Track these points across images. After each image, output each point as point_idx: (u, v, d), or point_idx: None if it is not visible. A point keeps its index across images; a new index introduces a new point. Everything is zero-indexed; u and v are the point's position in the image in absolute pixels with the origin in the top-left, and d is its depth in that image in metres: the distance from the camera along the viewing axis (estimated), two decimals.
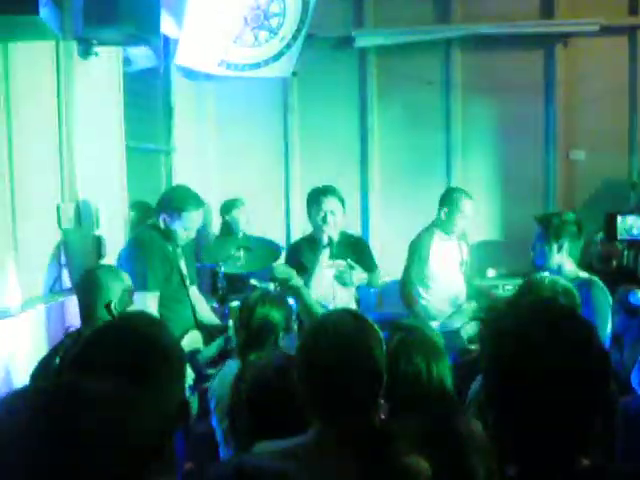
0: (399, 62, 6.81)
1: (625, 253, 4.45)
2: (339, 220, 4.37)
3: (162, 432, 1.21)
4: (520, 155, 6.76)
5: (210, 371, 3.48)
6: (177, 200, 3.90)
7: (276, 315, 2.95)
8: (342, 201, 4.42)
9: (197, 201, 3.95)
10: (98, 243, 4.13)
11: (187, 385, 3.51)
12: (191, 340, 3.86)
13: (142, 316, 1.94)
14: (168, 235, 3.90)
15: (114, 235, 4.39)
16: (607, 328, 3.39)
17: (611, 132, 6.73)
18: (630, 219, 2.25)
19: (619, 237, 2.25)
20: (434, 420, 2.15)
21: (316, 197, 4.39)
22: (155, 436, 1.11)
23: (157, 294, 3.73)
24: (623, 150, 6.74)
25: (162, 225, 3.88)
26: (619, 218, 2.19)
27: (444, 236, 4.79)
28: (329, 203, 4.33)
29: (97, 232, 4.13)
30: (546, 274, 3.38)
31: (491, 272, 6.38)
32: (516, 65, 6.76)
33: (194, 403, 3.44)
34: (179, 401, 1.61)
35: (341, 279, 4.35)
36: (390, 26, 6.73)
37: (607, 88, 6.68)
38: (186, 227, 3.92)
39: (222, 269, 4.90)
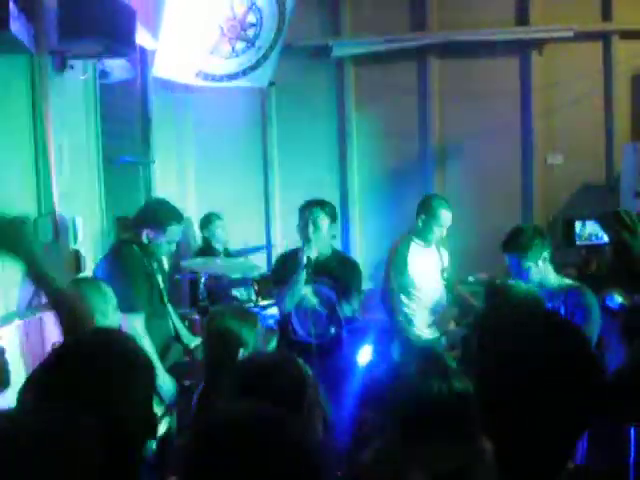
0: (376, 71, 6.84)
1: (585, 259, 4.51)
2: (323, 233, 4.30)
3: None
4: (498, 161, 6.81)
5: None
6: (161, 215, 3.87)
7: (235, 328, 2.84)
8: (329, 215, 4.33)
9: (179, 215, 3.94)
10: (76, 257, 4.09)
11: (168, 401, 3.50)
12: (173, 354, 3.83)
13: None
14: (149, 250, 3.87)
15: (92, 249, 4.35)
16: (597, 331, 3.45)
17: (588, 136, 6.81)
18: (589, 225, 2.27)
19: (577, 243, 2.28)
20: None
21: (301, 209, 4.38)
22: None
23: (143, 314, 3.69)
24: (600, 154, 6.81)
25: (145, 239, 3.84)
26: (577, 224, 2.21)
27: (422, 244, 4.79)
28: (312, 215, 4.30)
29: (75, 246, 4.10)
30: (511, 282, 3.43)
31: (471, 278, 6.39)
32: (492, 72, 6.82)
33: (172, 421, 3.41)
34: (146, 417, 1.59)
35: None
36: (367, 35, 6.76)
37: (583, 93, 6.76)
38: (170, 241, 3.90)
39: (203, 280, 4.88)
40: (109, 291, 3.33)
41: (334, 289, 4.23)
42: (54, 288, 2.24)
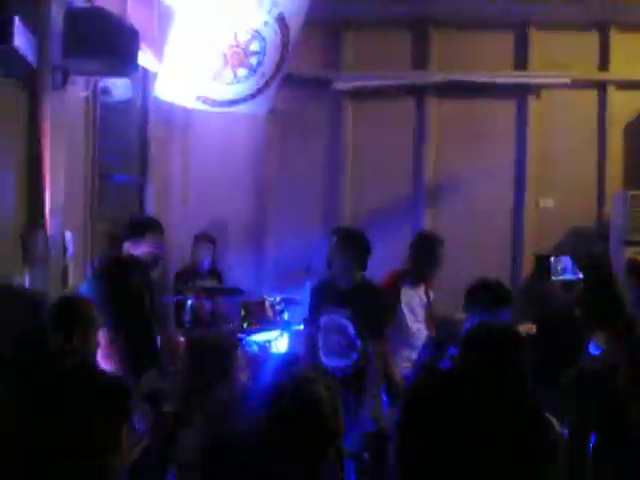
0: (374, 106, 6.91)
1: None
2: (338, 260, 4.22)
3: None
4: (490, 201, 6.86)
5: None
6: (138, 225, 3.90)
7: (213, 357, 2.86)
8: (352, 244, 4.20)
9: (157, 225, 3.96)
10: (64, 272, 4.09)
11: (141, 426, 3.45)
12: (150, 379, 3.79)
13: None
14: (133, 265, 3.87)
15: (82, 265, 4.35)
16: None
17: (581, 182, 6.88)
18: (564, 261, 2.31)
19: (553, 278, 2.32)
20: None
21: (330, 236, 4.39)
22: None
23: (117, 333, 3.65)
24: (592, 200, 6.88)
25: (125, 253, 3.85)
26: (552, 259, 2.25)
27: (412, 286, 4.78)
28: (333, 244, 4.30)
29: (64, 262, 4.09)
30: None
31: (459, 316, 6.39)
32: (489, 114, 6.91)
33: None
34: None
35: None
36: (368, 70, 6.84)
37: (577, 139, 6.85)
38: (150, 253, 3.90)
39: (189, 302, 4.89)
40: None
41: (353, 320, 4.14)
42: None
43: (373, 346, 4.13)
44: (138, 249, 3.83)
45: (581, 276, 2.22)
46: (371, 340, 4.14)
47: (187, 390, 2.82)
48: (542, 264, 2.25)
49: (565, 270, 2.24)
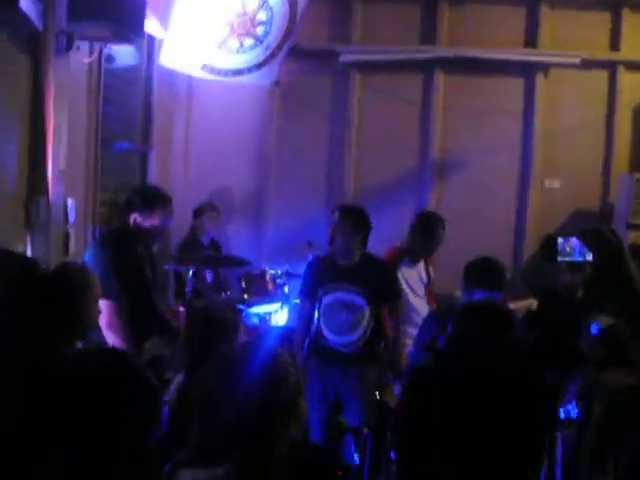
0: (382, 80, 6.84)
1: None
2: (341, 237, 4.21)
3: None
4: (496, 179, 6.82)
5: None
6: (147, 198, 3.86)
7: (220, 321, 2.91)
8: (354, 221, 4.20)
9: (166, 199, 3.92)
10: (66, 239, 4.08)
11: None
12: (153, 346, 3.81)
13: None
14: (138, 236, 3.85)
15: (83, 232, 4.33)
16: None
17: (586, 163, 6.83)
18: (572, 241, 2.28)
19: (559, 259, 2.29)
20: None
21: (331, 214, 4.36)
22: None
23: (120, 303, 3.65)
24: (597, 181, 6.84)
25: (132, 225, 3.82)
26: (560, 240, 2.22)
27: (411, 263, 4.79)
28: (333, 218, 4.29)
29: (66, 229, 4.08)
30: None
31: (457, 293, 6.39)
32: (497, 90, 6.84)
33: None
34: None
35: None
36: (376, 44, 6.76)
37: (585, 120, 6.79)
38: (158, 225, 3.87)
39: (190, 273, 4.87)
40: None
41: (361, 294, 4.16)
42: None
43: (392, 309, 4.29)
44: (146, 222, 3.81)
45: (589, 258, 2.20)
46: (389, 302, 4.28)
47: (190, 359, 2.85)
48: (549, 244, 2.22)
49: (573, 251, 2.22)
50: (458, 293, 6.31)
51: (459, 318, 2.59)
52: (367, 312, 4.16)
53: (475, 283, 3.76)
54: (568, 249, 2.40)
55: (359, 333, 4.16)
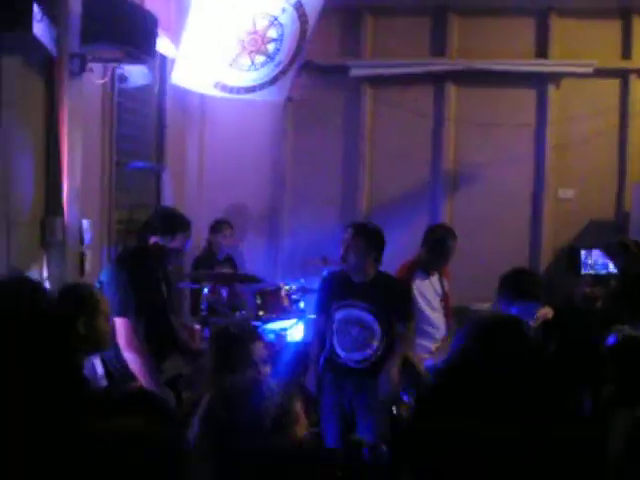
0: (393, 93, 6.86)
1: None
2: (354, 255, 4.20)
3: None
4: (509, 191, 6.80)
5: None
6: (169, 223, 3.87)
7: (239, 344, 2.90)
8: (367, 238, 4.18)
9: (187, 224, 3.95)
10: (81, 260, 4.10)
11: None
12: (172, 365, 3.81)
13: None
14: (156, 256, 3.86)
15: (98, 252, 4.35)
16: None
17: (600, 173, 6.80)
18: (594, 254, 2.27)
19: (583, 271, 2.28)
20: None
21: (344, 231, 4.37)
22: None
23: (138, 321, 3.67)
24: (611, 191, 6.80)
25: (151, 245, 3.84)
26: (583, 252, 2.20)
27: (424, 276, 4.78)
28: (346, 235, 4.28)
29: (81, 249, 4.10)
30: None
31: (475, 306, 6.37)
32: (509, 102, 6.83)
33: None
34: None
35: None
36: (386, 58, 6.78)
37: (598, 130, 6.76)
38: (177, 249, 3.90)
39: (205, 290, 4.89)
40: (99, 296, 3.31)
41: (372, 312, 4.15)
42: None
43: (402, 329, 4.20)
44: (167, 245, 3.83)
45: (612, 269, 2.18)
46: (400, 323, 4.20)
47: (211, 379, 2.85)
48: (573, 257, 2.21)
49: (595, 264, 2.21)
50: (476, 306, 6.30)
51: (474, 332, 2.57)
52: (378, 330, 4.14)
53: (513, 296, 3.75)
54: (590, 261, 2.40)
55: (371, 350, 4.16)
